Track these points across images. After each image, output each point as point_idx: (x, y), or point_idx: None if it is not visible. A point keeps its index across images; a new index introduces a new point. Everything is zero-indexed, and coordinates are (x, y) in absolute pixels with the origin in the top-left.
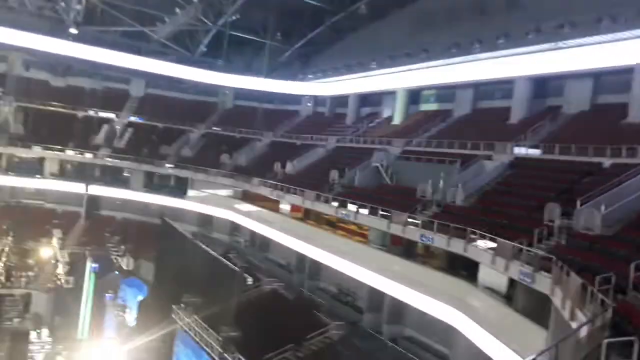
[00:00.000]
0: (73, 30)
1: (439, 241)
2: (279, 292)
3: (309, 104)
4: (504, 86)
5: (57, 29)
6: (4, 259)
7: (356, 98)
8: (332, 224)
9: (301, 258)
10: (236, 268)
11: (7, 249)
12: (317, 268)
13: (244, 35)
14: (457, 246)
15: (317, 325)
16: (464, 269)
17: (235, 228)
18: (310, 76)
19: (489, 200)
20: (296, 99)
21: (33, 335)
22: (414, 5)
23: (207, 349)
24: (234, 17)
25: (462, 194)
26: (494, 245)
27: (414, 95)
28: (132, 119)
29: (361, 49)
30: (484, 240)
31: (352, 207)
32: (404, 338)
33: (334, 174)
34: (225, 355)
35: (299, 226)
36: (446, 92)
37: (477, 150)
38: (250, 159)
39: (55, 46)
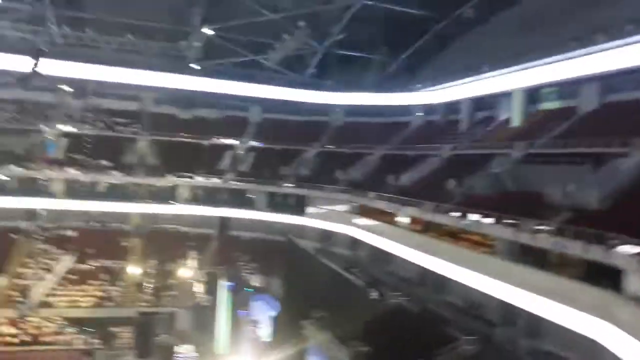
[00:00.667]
0: (195, 66)
1: (575, 248)
2: (403, 306)
3: (419, 114)
4: (636, 76)
5: (180, 67)
6: (151, 280)
7: (469, 103)
8: (454, 235)
9: (424, 271)
10: (360, 283)
11: (153, 271)
12: (441, 281)
13: (350, 53)
14: (596, 253)
15: (447, 340)
16: (605, 277)
17: (354, 242)
18: (418, 85)
19: (628, 202)
20: (406, 110)
21: (179, 349)
22: (520, 5)
23: None
24: (339, 37)
25: (596, 196)
26: None
27: (532, 95)
28: (253, 143)
29: (469, 53)
30: (629, 246)
31: (474, 217)
32: (541, 353)
33: (451, 183)
34: None
35: (420, 238)
36: (568, 89)
37: (610, 148)
38: (364, 173)
39: (180, 82)
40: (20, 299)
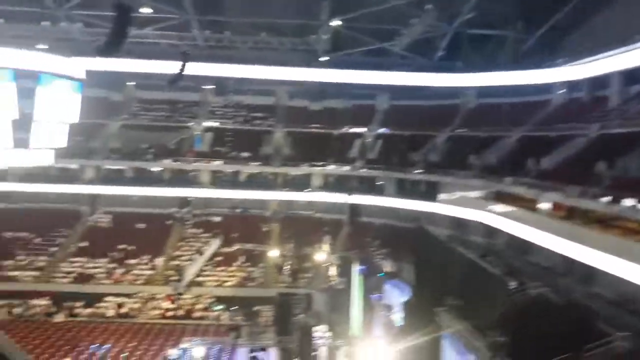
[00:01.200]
0: (324, 59)
1: None
2: (546, 297)
3: (560, 92)
4: None
5: (310, 60)
6: (289, 263)
7: (619, 77)
8: (603, 222)
9: (569, 261)
10: (495, 271)
11: (289, 254)
12: (589, 271)
13: (482, 32)
14: None
15: (596, 335)
16: None
17: (489, 230)
18: (560, 61)
19: None
20: (545, 88)
21: (315, 330)
22: None
23: (475, 353)
24: (469, 15)
25: None
26: None
27: None
28: (381, 130)
29: (615, 23)
30: None
31: (628, 202)
32: None
33: (601, 166)
34: (495, 359)
35: (563, 226)
36: None
37: None
38: (499, 157)
39: (311, 75)
40: (176, 278)
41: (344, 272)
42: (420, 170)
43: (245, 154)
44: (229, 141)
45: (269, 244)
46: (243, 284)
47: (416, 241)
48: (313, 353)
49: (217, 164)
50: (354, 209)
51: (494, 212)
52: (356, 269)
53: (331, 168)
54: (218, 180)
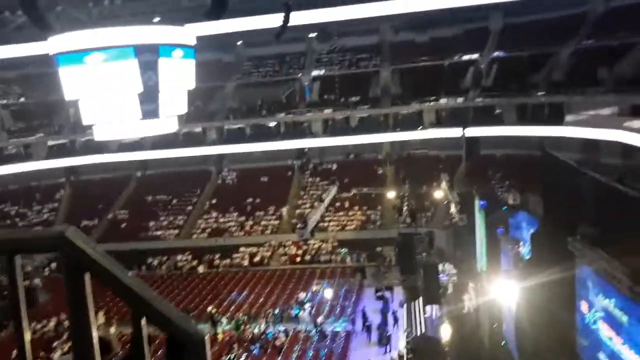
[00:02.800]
0: None
1: None
2: None
3: None
4: None
5: None
6: (406, 203)
7: None
8: None
9: None
10: (636, 194)
11: (406, 194)
12: None
13: None
14: None
15: None
16: None
17: (626, 150)
18: None
19: None
20: None
21: (439, 267)
22: None
23: (614, 284)
24: None
25: None
26: None
27: None
28: (496, 54)
29: None
30: None
31: None
32: None
33: None
34: (637, 289)
35: None
36: None
37: None
38: (634, 67)
39: (414, 4)
40: (301, 226)
41: (465, 208)
42: (543, 92)
43: (354, 99)
44: (337, 88)
45: (385, 186)
46: (363, 226)
47: (542, 169)
48: (439, 290)
49: (327, 112)
50: (472, 142)
51: (632, 129)
52: (478, 204)
53: (443, 102)
54: (330, 128)
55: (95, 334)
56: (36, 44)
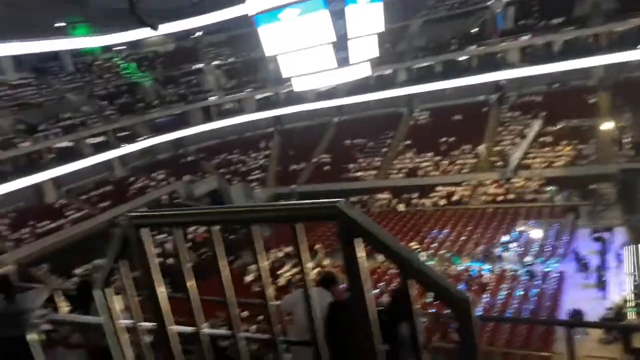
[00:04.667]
0: None
1: None
2: None
3: None
4: None
5: None
6: (627, 135)
7: None
8: None
9: None
10: None
11: (628, 124)
12: None
13: None
14: None
15: None
16: None
17: None
18: None
19: None
20: None
21: None
22: None
23: None
24: None
25: None
26: None
27: None
28: None
29: None
30: None
31: None
32: None
33: None
34: None
35: None
36: None
37: None
38: None
39: None
40: (501, 164)
41: None
42: None
43: (557, 20)
44: (535, 10)
45: (599, 116)
46: (574, 162)
47: None
48: None
49: (525, 39)
50: None
51: None
52: None
53: None
54: (529, 56)
55: (368, 288)
56: (238, 7)
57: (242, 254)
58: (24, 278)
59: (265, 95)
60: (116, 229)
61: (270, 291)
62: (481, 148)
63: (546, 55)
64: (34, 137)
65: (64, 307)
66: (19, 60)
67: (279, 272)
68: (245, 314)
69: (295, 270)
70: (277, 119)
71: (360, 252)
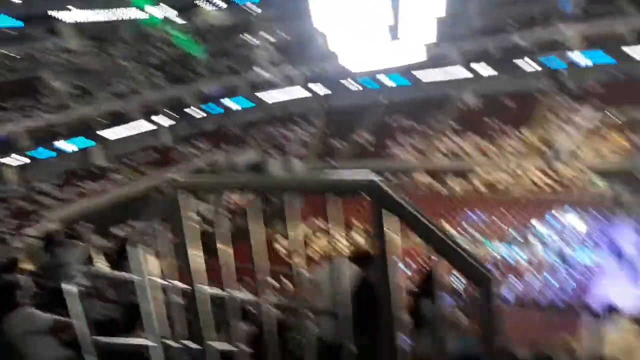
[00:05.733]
0: None
1: None
2: None
3: None
4: None
5: None
6: None
7: None
8: None
9: None
10: None
11: None
12: None
13: None
14: None
15: None
16: None
17: None
18: None
19: None
20: None
21: None
22: None
23: None
24: None
25: None
26: None
27: None
28: None
29: None
30: None
31: None
32: None
33: None
34: None
35: None
36: None
37: None
38: None
39: None
40: (548, 152)
41: None
42: None
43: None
44: None
45: None
46: (624, 153)
47: None
48: None
49: (590, 25)
50: None
51: None
52: None
53: None
54: (592, 44)
55: (395, 264)
56: None
57: (276, 224)
58: (68, 235)
59: (313, 72)
60: (158, 193)
61: (300, 260)
62: (528, 134)
63: (609, 43)
64: (88, 102)
65: (102, 264)
66: (80, 28)
67: (311, 244)
68: (276, 285)
69: (327, 243)
70: (324, 96)
71: (391, 228)
